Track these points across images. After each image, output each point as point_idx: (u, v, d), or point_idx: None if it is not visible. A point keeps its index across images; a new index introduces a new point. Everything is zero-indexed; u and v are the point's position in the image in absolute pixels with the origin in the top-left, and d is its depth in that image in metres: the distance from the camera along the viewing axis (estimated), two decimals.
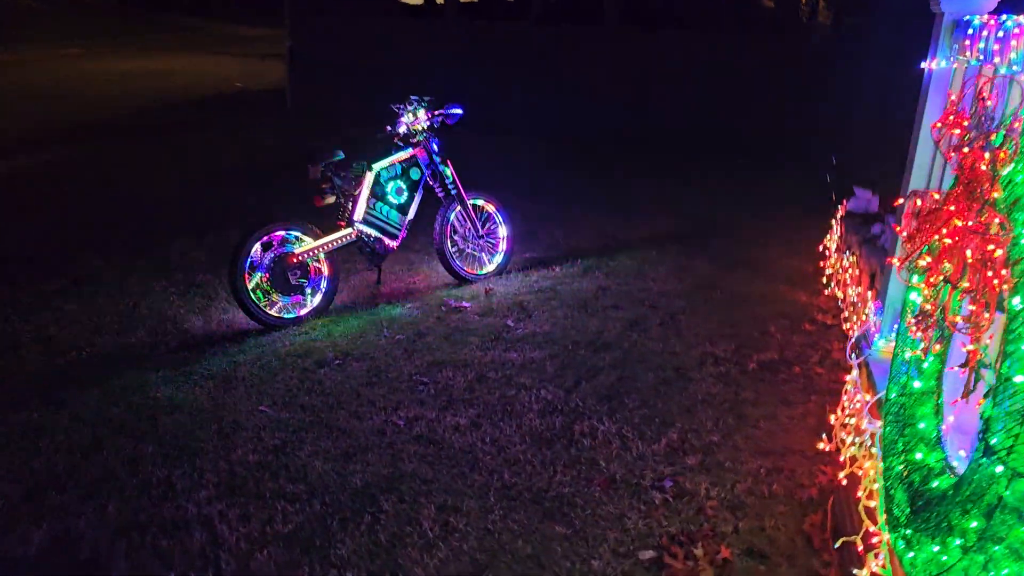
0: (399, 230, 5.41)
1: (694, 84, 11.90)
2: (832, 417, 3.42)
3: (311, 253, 5.00)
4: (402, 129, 5.47)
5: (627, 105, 12.06)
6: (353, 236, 5.22)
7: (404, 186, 5.41)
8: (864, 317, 3.98)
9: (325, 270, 5.14)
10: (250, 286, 4.85)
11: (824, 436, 3.33)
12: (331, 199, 5.16)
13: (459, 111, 5.50)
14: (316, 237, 5.06)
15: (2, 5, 27.30)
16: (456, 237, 5.74)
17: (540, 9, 17.19)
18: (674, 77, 11.97)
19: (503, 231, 5.91)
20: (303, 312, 5.04)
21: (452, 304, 5.27)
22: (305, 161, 5.12)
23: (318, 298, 5.11)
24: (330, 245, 5.09)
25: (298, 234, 5.02)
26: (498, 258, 5.90)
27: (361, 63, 13.32)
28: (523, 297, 5.42)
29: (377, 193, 5.30)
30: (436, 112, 5.49)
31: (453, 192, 5.63)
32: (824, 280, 5.64)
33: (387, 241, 5.37)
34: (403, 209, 5.42)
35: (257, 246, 4.87)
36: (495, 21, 18.31)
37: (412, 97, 5.50)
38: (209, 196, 8.04)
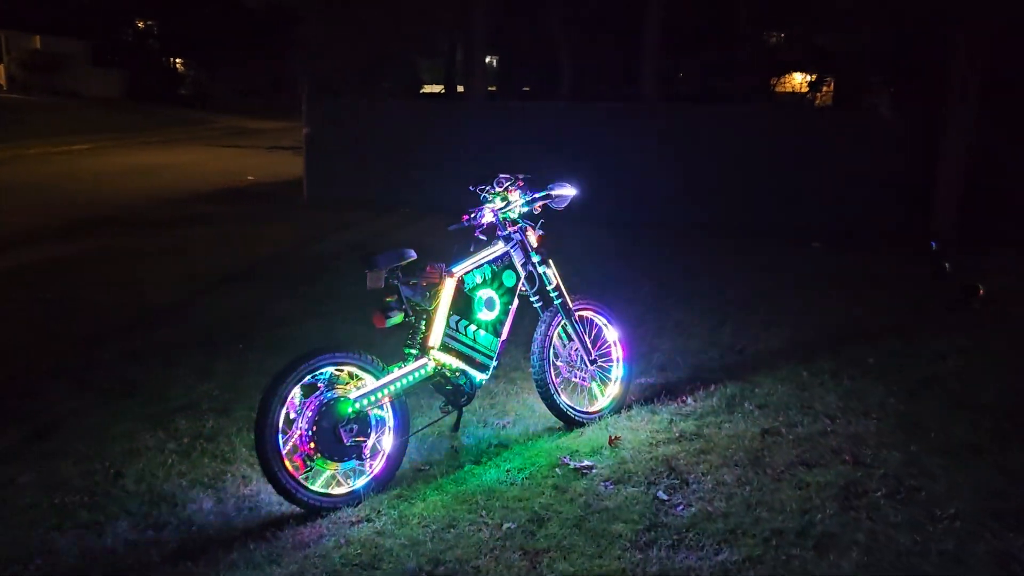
0: (491, 357, 3.88)
1: (744, 162, 10.58)
2: None
3: (372, 398, 3.46)
4: (486, 218, 4.00)
5: (674, 186, 10.74)
6: (429, 369, 3.68)
7: (496, 296, 3.90)
8: None
9: (390, 420, 3.58)
10: (285, 450, 3.29)
11: None
12: (397, 317, 3.64)
13: (571, 191, 4.04)
14: (378, 373, 3.53)
15: (5, 102, 26.60)
16: (559, 362, 4.21)
17: (571, 85, 16.13)
18: (717, 155, 10.69)
19: (618, 352, 4.38)
20: (360, 485, 3.46)
21: (571, 465, 3.68)
22: (362, 265, 3.63)
23: (381, 463, 3.53)
24: (398, 384, 3.55)
25: (354, 369, 3.49)
26: (614, 389, 4.35)
27: (383, 149, 12.08)
28: (664, 449, 3.84)
29: (461, 308, 3.79)
30: (537, 195, 4.03)
31: (557, 302, 4.13)
32: None
33: (475, 373, 3.83)
34: (495, 328, 3.90)
35: (296, 390, 3.34)
36: (525, 101, 17.25)
37: (501, 176, 4.05)
38: (221, 304, 6.54)
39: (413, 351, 3.69)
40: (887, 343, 5.60)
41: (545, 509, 3.31)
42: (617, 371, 4.37)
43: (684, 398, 4.53)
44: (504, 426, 4.20)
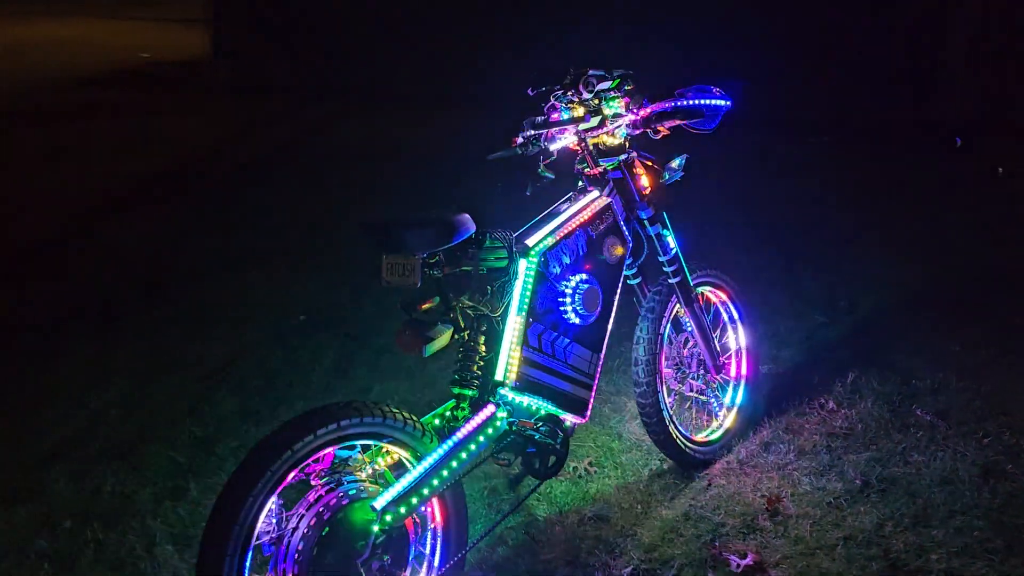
0: (590, 387, 2.32)
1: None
2: None
3: (415, 499, 1.87)
4: (562, 143, 2.38)
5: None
6: (500, 424, 2.10)
7: (595, 282, 2.31)
8: None
9: (437, 523, 2.03)
10: None
11: None
12: (443, 336, 2.03)
13: (721, 102, 2.37)
14: (418, 442, 1.95)
15: None
16: (666, 365, 2.69)
17: None
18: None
19: (741, 341, 2.91)
20: None
21: (729, 562, 2.23)
22: (376, 243, 1.98)
23: None
24: (454, 462, 1.96)
25: (388, 444, 1.91)
26: (737, 403, 2.89)
27: (313, 14, 9.78)
28: (854, 516, 2.42)
29: (543, 308, 2.18)
30: (661, 107, 2.35)
31: (674, 280, 2.58)
32: None
33: (567, 416, 2.28)
34: (595, 337, 2.32)
35: (272, 501, 1.74)
36: None
37: (591, 73, 2.37)
38: (117, 240, 4.74)
39: (469, 391, 2.10)
40: (1014, 287, 4.29)
41: None
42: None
43: (824, 400, 3.11)
44: (588, 473, 2.70)
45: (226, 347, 3.46)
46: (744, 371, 2.90)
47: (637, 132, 2.38)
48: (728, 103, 2.34)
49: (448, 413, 2.10)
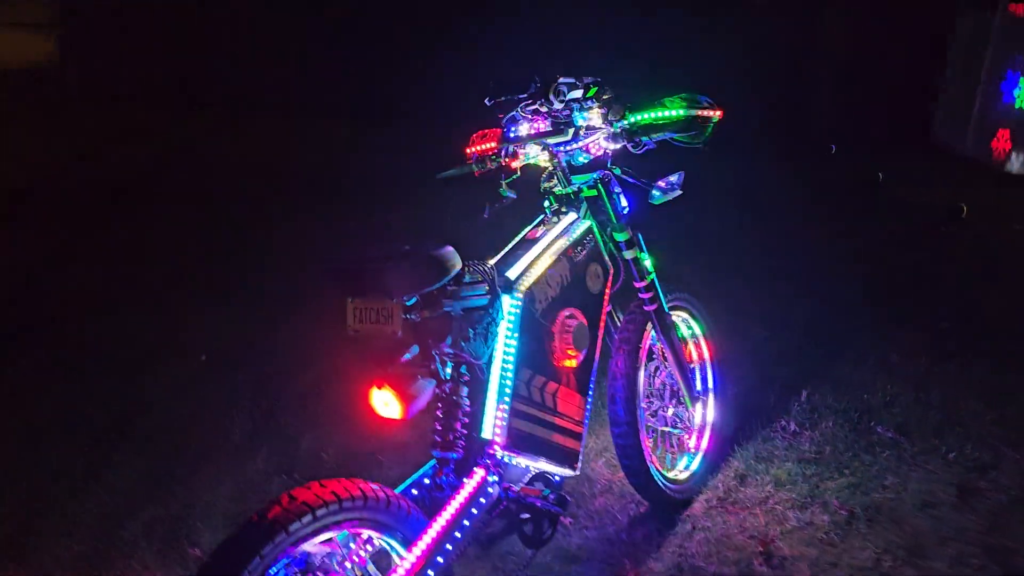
0: (580, 436, 2.06)
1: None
2: None
3: None
4: (523, 159, 2.14)
5: None
6: (494, 491, 1.81)
7: (582, 317, 2.05)
8: None
9: None
10: None
11: None
12: (426, 394, 1.71)
13: (710, 112, 2.15)
14: (403, 527, 1.63)
15: None
16: (640, 400, 2.46)
17: None
18: None
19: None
20: None
21: None
22: (339, 286, 1.65)
23: None
24: (449, 544, 1.66)
25: (370, 530, 1.57)
26: (705, 434, 2.70)
27: (180, 19, 9.03)
28: (849, 554, 2.28)
29: (529, 351, 1.90)
30: (646, 114, 2.11)
31: (650, 307, 2.35)
32: None
33: (558, 470, 2.00)
34: (583, 379, 2.07)
35: None
36: None
37: (562, 81, 2.11)
38: None
39: (453, 453, 1.79)
40: (927, 291, 4.36)
41: None
42: (710, 405, 2.72)
43: (785, 422, 2.99)
44: (564, 526, 2.43)
45: (122, 398, 2.99)
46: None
47: (617, 146, 2.15)
48: (718, 114, 2.13)
49: (428, 480, 1.79)
